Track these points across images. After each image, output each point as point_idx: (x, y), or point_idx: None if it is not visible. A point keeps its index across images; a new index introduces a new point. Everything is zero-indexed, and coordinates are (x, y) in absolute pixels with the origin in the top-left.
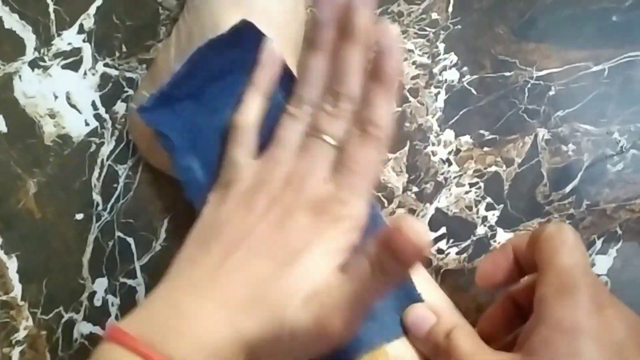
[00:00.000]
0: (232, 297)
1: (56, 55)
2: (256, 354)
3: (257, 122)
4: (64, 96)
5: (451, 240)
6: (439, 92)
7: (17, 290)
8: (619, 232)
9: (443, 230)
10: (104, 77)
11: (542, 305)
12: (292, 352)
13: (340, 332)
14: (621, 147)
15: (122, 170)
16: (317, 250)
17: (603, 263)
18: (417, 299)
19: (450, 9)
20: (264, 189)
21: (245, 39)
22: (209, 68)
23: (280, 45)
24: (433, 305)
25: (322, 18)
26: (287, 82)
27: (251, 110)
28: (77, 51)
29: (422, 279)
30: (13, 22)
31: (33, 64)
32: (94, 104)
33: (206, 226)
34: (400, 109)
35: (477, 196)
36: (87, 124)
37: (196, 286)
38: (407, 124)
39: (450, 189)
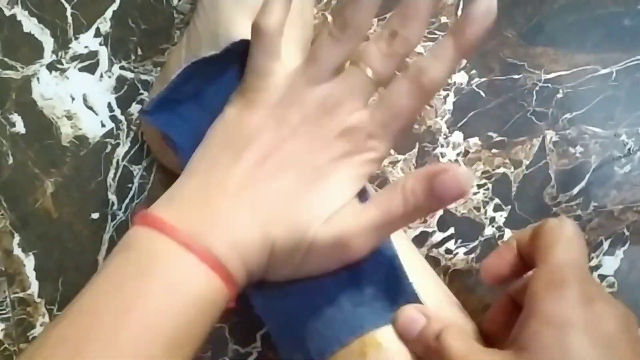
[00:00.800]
0: (263, 205)
1: (73, 58)
2: (276, 257)
3: (282, 28)
4: (80, 98)
5: (459, 241)
6: (447, 95)
7: (34, 287)
8: (626, 233)
9: (451, 230)
10: (120, 80)
11: (532, 300)
12: (305, 262)
13: (358, 254)
14: (629, 149)
15: (137, 170)
16: (341, 173)
17: (610, 264)
18: (409, 291)
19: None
20: (297, 105)
21: (237, 48)
22: (204, 72)
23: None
24: (424, 305)
25: None
26: None
27: (275, 11)
28: (93, 54)
29: (423, 272)
30: (32, 25)
31: (51, 67)
32: (109, 105)
33: (233, 130)
34: None
35: (485, 197)
36: (103, 126)
37: (229, 189)
38: (416, 126)
39: None
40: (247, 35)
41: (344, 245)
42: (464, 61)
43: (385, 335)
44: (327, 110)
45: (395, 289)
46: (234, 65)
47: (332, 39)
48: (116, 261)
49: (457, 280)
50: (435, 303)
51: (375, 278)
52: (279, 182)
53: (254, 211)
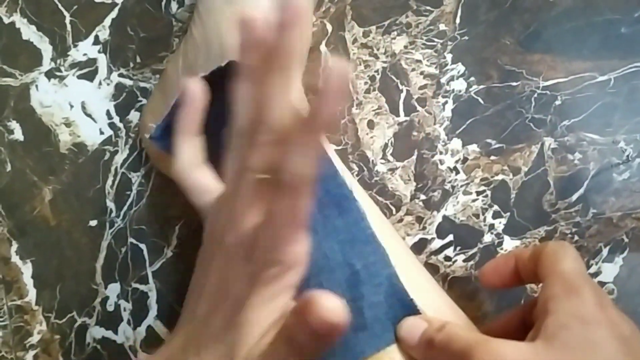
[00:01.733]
0: (204, 351)
1: (72, 66)
2: None
3: (196, 162)
4: (79, 105)
5: (458, 248)
6: (446, 102)
7: (32, 295)
8: (625, 240)
9: (450, 237)
10: (119, 87)
11: (552, 302)
12: None
13: None
14: (627, 156)
15: (135, 177)
16: (256, 298)
17: (609, 271)
18: (411, 307)
19: (457, 21)
20: (211, 238)
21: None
22: (211, 99)
23: None
24: (427, 313)
25: (242, 41)
26: None
27: (184, 154)
28: (92, 62)
29: (421, 279)
30: (30, 33)
31: (49, 74)
32: (108, 113)
33: (196, 280)
34: (408, 118)
35: (484, 204)
36: (101, 133)
37: (186, 345)
38: (414, 133)
39: (457, 197)
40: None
41: None
42: (463, 68)
43: (390, 356)
44: (230, 233)
45: (396, 309)
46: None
47: (228, 152)
48: None
49: (457, 287)
50: (437, 313)
51: (375, 299)
52: (213, 323)
53: (200, 357)
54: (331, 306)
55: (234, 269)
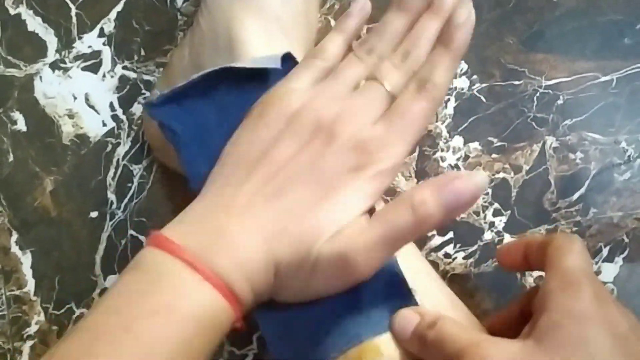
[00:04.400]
0: (268, 224)
1: (76, 58)
2: (282, 276)
3: (332, 61)
4: (82, 97)
5: (458, 245)
6: (448, 100)
7: (31, 285)
8: (626, 240)
9: (450, 235)
10: (122, 80)
11: (549, 298)
12: (311, 282)
13: (361, 272)
14: (628, 156)
15: (137, 170)
16: (351, 189)
17: (609, 271)
18: (409, 298)
19: None
20: (313, 116)
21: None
22: (225, 76)
23: (289, 47)
24: (421, 306)
25: None
26: None
27: (328, 46)
28: (97, 54)
29: (424, 275)
30: (36, 24)
31: (54, 66)
32: (111, 105)
33: (246, 146)
34: None
35: (485, 202)
36: (104, 125)
37: (237, 209)
38: None
39: None
40: (246, 34)
41: (348, 263)
42: (465, 66)
43: (385, 343)
44: (343, 122)
45: (395, 296)
46: (257, 76)
47: (355, 58)
48: (124, 280)
49: (456, 285)
50: (436, 305)
51: (374, 285)
52: (286, 198)
53: (260, 230)
54: (479, 177)
55: (338, 155)
